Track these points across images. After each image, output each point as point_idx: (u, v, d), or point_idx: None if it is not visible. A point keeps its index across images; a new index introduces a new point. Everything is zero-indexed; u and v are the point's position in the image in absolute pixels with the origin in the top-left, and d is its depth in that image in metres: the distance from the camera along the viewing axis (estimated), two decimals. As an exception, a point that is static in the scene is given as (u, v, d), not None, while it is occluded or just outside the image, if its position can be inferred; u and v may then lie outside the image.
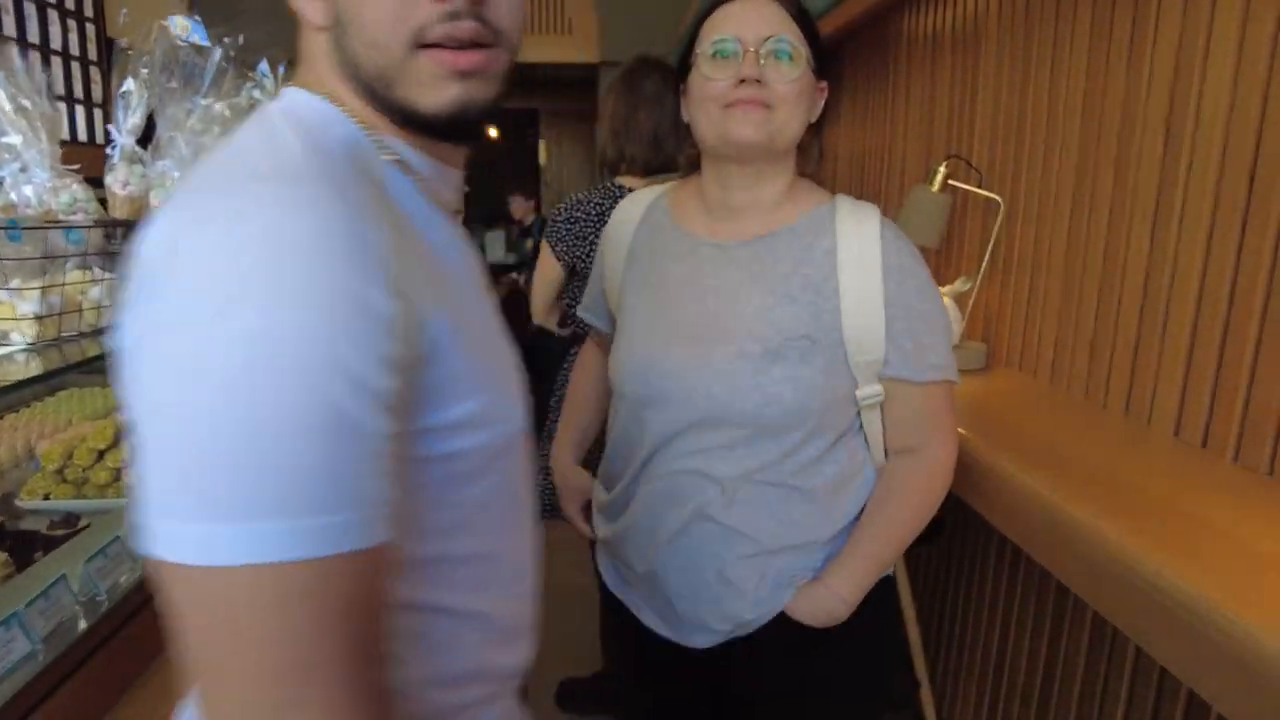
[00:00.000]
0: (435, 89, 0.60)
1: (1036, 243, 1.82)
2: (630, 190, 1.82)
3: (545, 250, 1.91)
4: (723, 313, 1.10)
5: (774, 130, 1.05)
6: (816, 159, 1.21)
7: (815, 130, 1.16)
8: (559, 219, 1.87)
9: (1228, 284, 1.28)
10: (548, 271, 1.93)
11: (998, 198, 1.87)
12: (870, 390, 1.12)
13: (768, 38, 1.03)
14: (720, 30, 1.05)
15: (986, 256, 1.93)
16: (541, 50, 6.43)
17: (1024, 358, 1.88)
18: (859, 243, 1.08)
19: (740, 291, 1.11)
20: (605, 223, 1.81)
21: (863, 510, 1.18)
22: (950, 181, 1.93)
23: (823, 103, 1.13)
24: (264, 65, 2.30)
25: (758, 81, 1.03)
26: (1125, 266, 1.52)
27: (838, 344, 1.08)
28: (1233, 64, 1.27)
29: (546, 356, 2.01)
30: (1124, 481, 1.21)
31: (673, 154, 1.85)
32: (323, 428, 0.46)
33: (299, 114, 0.60)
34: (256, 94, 2.20)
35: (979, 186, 1.94)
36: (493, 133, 9.25)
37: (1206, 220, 1.33)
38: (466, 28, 0.59)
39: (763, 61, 1.03)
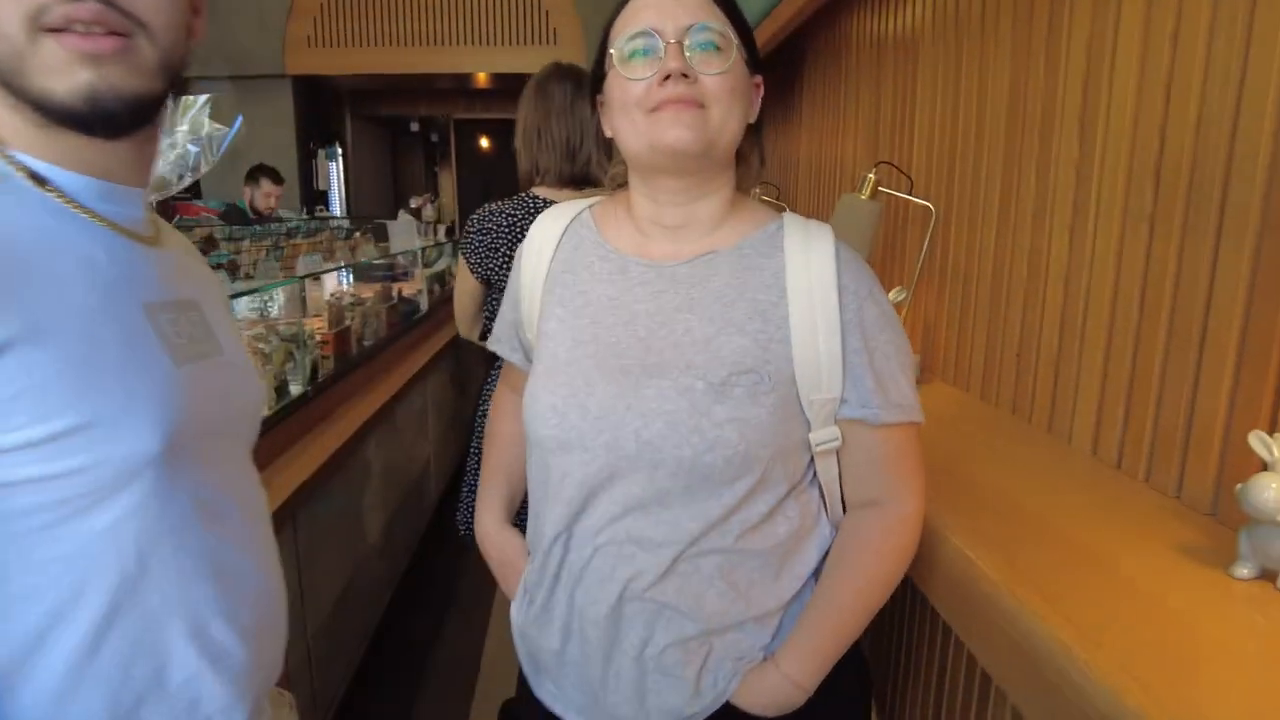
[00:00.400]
0: (64, 74, 0.57)
1: (968, 250, 1.75)
2: (547, 202, 1.76)
3: (461, 263, 1.85)
4: (656, 341, 0.93)
5: (711, 132, 0.88)
6: (759, 168, 1.02)
7: (754, 134, 0.98)
8: (471, 230, 1.80)
9: (1138, 293, 1.21)
10: (466, 284, 1.86)
11: (929, 205, 1.80)
12: (825, 434, 0.94)
13: (689, 26, 0.87)
14: (633, 25, 0.89)
15: (919, 265, 1.85)
16: (527, 60, 6.40)
17: (957, 370, 1.80)
18: (811, 266, 0.92)
19: (677, 317, 0.93)
20: (518, 234, 1.76)
21: (818, 573, 0.99)
22: (882, 189, 1.86)
23: (759, 101, 0.96)
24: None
25: (684, 76, 0.86)
26: (1047, 273, 1.45)
27: (789, 381, 0.91)
28: (1138, 59, 1.20)
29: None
30: (1026, 508, 1.13)
31: (587, 165, 1.78)
32: None
33: None
34: None
35: (910, 193, 1.86)
36: (484, 143, 9.24)
37: (1118, 224, 1.25)
38: (88, 9, 0.57)
39: (687, 54, 0.86)
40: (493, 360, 1.93)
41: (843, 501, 1.01)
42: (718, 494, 0.90)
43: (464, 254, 1.83)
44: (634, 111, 0.89)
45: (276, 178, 4.75)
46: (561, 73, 1.82)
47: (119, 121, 0.61)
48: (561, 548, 0.97)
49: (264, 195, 4.64)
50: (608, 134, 0.98)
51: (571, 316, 0.98)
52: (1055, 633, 0.79)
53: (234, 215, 3.96)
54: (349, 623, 2.25)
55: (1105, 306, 1.28)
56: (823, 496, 1.01)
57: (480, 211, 1.81)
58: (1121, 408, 1.24)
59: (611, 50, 0.92)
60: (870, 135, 2.35)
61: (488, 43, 6.61)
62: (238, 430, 0.79)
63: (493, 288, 1.82)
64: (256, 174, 4.74)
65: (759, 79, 0.96)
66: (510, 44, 6.62)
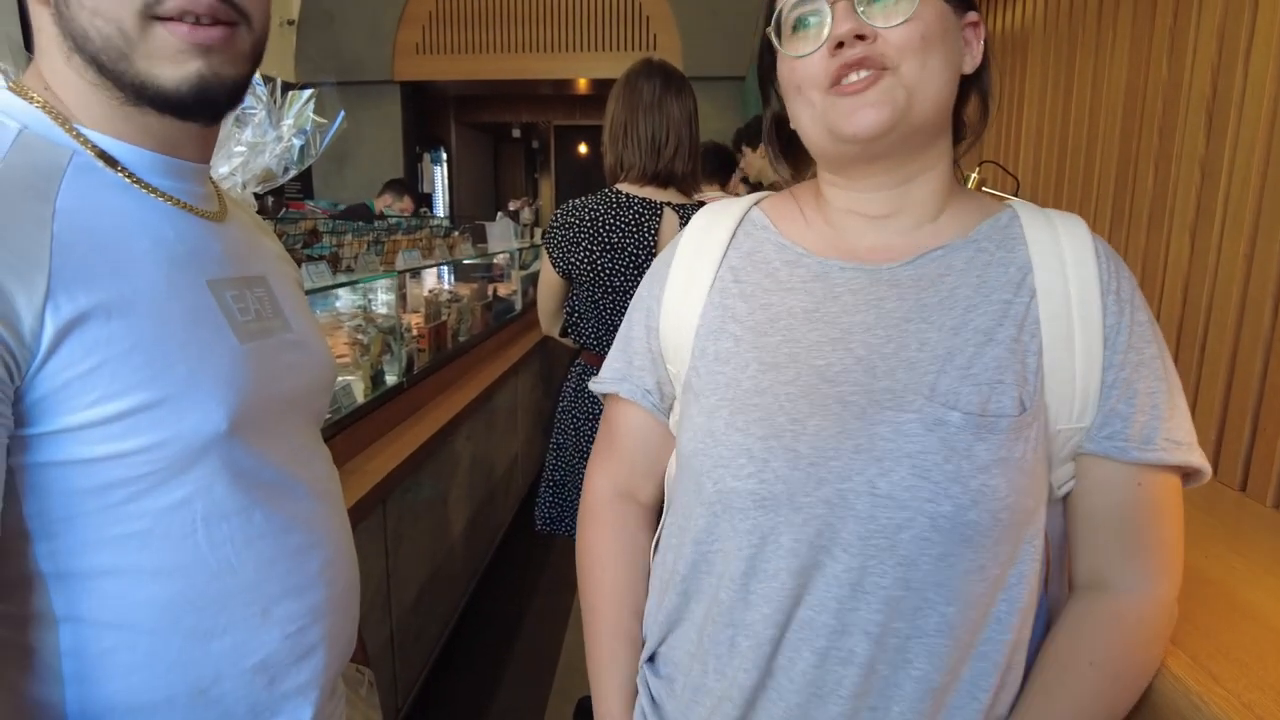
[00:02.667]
0: (175, 63, 0.59)
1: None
2: (629, 197, 1.76)
3: (544, 258, 1.87)
4: (882, 361, 0.70)
5: (904, 101, 0.68)
6: (980, 132, 0.78)
7: (975, 88, 0.75)
8: (554, 224, 1.81)
9: (1270, 304, 1.11)
10: (548, 280, 1.88)
11: (1004, 196, 1.71)
12: (1063, 473, 0.72)
13: None
14: None
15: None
16: (627, 66, 6.47)
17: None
18: (1065, 261, 0.71)
19: (907, 329, 0.71)
20: (599, 230, 1.76)
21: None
22: (987, 190, 1.77)
23: (979, 45, 0.73)
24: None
25: (860, 38, 0.68)
26: (1164, 280, 1.35)
27: (1042, 406, 0.70)
28: (1278, 45, 1.10)
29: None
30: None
31: (672, 162, 1.77)
32: None
33: None
34: None
35: (1016, 194, 1.77)
36: (582, 149, 9.38)
37: (1248, 226, 1.15)
38: (206, 3, 0.58)
39: (861, 10, 0.68)
40: (575, 355, 1.95)
41: (1046, 576, 0.76)
42: (979, 562, 0.66)
43: (546, 248, 1.85)
44: (810, 93, 0.72)
45: (417, 199, 5.08)
46: (651, 69, 1.81)
47: (220, 108, 0.63)
48: (767, 650, 0.70)
49: (401, 209, 4.86)
50: (792, 126, 0.78)
51: (754, 334, 0.76)
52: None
53: (361, 212, 4.18)
54: (433, 609, 2.30)
55: (1230, 318, 1.18)
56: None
57: (564, 206, 1.82)
58: (1246, 430, 1.14)
59: (772, 31, 0.74)
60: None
61: (588, 49, 6.71)
62: (305, 406, 0.78)
63: (574, 283, 1.83)
64: (400, 189, 4.98)
65: (973, 17, 0.73)
66: (610, 50, 6.70)
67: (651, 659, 0.81)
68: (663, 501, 0.87)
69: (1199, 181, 1.26)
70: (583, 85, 7.41)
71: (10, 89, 0.61)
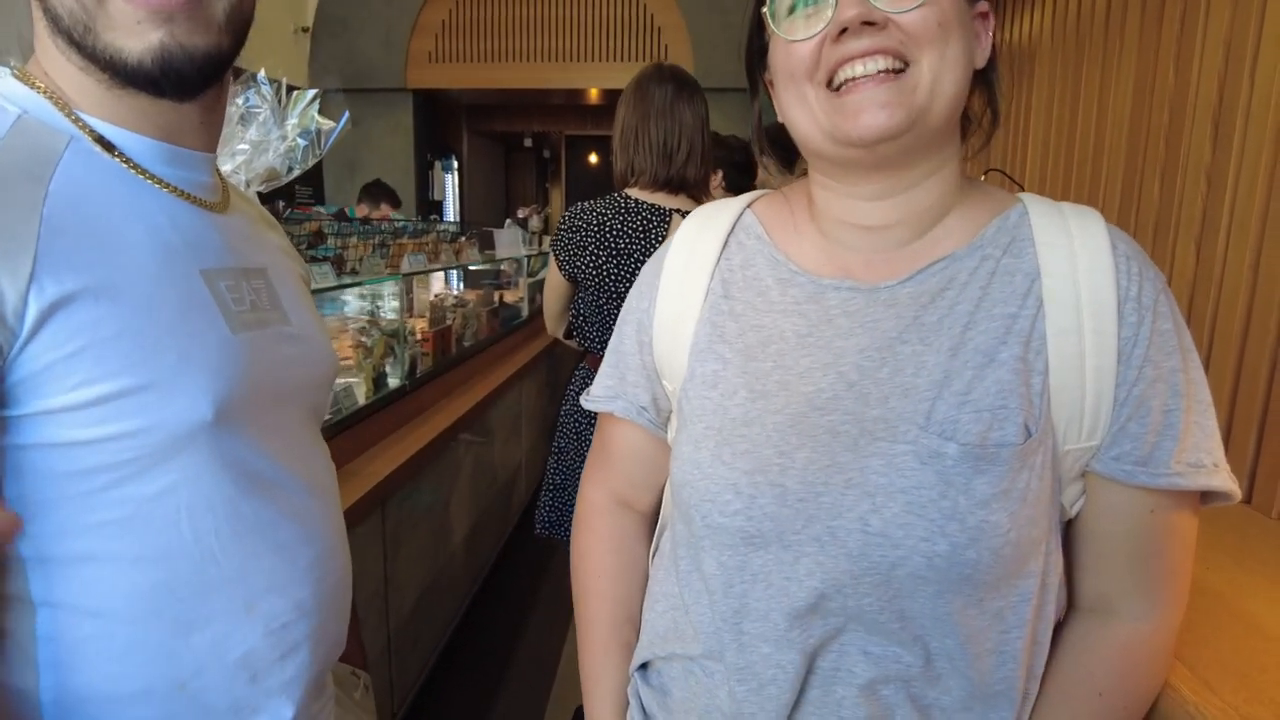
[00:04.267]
0: (136, 34, 0.58)
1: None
2: (638, 202, 1.76)
3: (551, 260, 1.87)
4: (875, 387, 0.65)
5: (921, 99, 0.60)
6: (990, 130, 0.70)
7: (984, 84, 0.68)
8: (563, 227, 1.81)
9: (1276, 314, 1.09)
10: (554, 282, 1.88)
11: (1019, 192, 1.70)
12: (1072, 493, 0.67)
13: None
14: None
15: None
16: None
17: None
18: (1076, 264, 0.64)
19: (901, 350, 0.65)
20: (606, 234, 1.76)
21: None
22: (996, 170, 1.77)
23: (988, 37, 0.66)
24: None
25: (869, 25, 0.60)
26: (1170, 286, 1.33)
27: (1049, 429, 0.64)
28: (1284, 52, 1.09)
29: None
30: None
31: (683, 168, 1.77)
32: None
33: None
34: None
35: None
36: (593, 158, 9.40)
37: (1254, 236, 1.14)
38: None
39: None
40: (580, 358, 1.94)
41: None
42: (978, 600, 0.63)
43: (554, 251, 1.85)
44: (803, 85, 0.64)
45: (395, 201, 4.80)
46: (662, 74, 1.81)
47: (190, 81, 0.62)
48: (772, 691, 0.68)
49: (380, 215, 4.61)
50: (779, 119, 0.72)
51: (743, 359, 0.71)
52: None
53: (341, 219, 4.09)
54: (431, 614, 2.29)
55: (1235, 329, 1.16)
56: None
57: (572, 209, 1.82)
58: (1252, 441, 1.13)
59: (766, 11, 0.67)
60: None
61: (600, 59, 6.73)
62: (302, 400, 0.77)
63: (580, 286, 1.83)
64: (378, 194, 4.73)
65: (983, 6, 0.66)
66: (622, 60, 6.72)
67: (644, 667, 0.79)
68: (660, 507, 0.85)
69: (1205, 191, 1.25)
70: (594, 95, 7.44)
71: (14, 76, 0.61)
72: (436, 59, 6.72)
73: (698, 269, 0.76)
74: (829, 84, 0.62)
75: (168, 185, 0.65)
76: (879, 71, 0.60)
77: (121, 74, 0.59)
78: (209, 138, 0.69)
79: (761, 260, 0.74)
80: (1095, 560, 0.67)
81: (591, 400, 0.84)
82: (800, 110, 0.66)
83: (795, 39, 0.63)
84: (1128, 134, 1.49)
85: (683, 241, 0.78)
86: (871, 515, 0.61)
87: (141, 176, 0.63)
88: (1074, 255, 0.64)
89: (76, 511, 0.57)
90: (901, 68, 0.60)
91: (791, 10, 0.64)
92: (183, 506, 0.61)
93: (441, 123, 7.86)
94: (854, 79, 0.60)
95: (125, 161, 0.62)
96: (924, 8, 0.59)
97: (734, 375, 0.70)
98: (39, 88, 0.61)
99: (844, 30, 0.60)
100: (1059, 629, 0.69)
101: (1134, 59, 1.48)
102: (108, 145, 0.62)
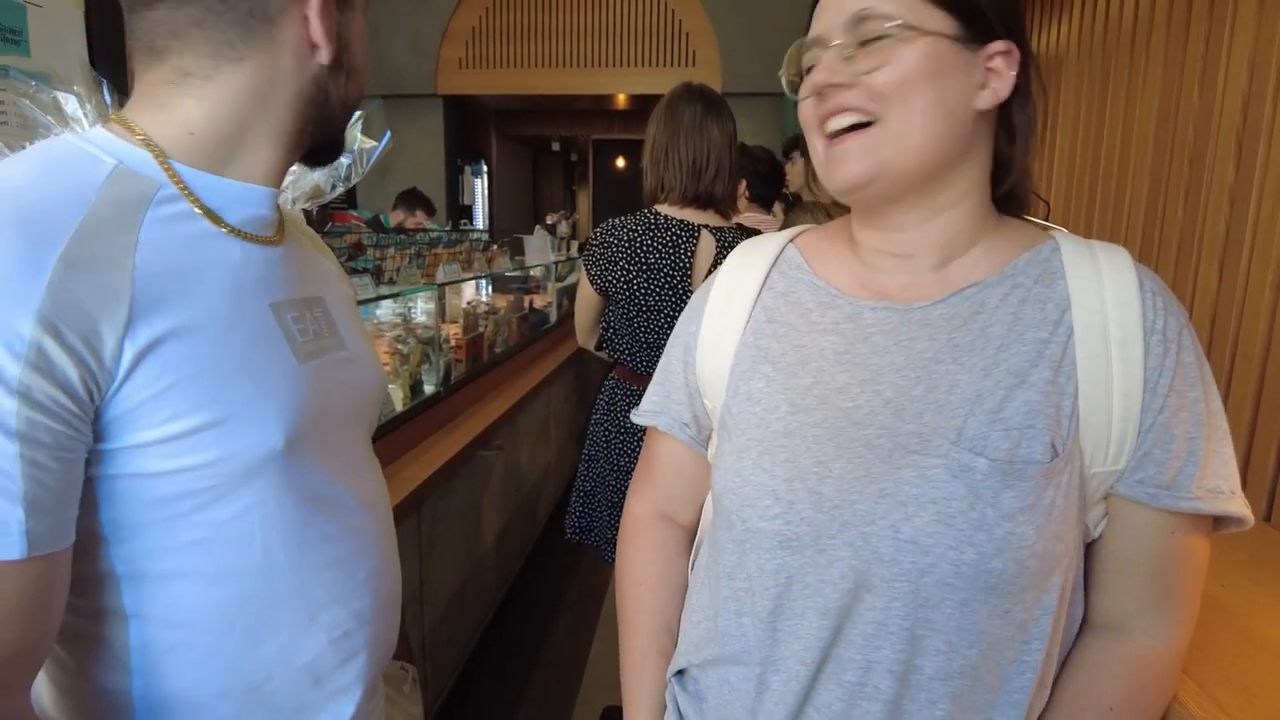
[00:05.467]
0: None
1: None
2: (668, 218, 1.80)
3: (582, 274, 1.92)
4: (910, 404, 0.70)
5: (885, 153, 0.68)
6: (1022, 161, 0.74)
7: (1001, 125, 0.72)
8: (593, 243, 1.86)
9: (1296, 330, 1.11)
10: (585, 296, 1.93)
11: (1050, 226, 1.72)
12: (1094, 515, 0.71)
13: (849, 18, 0.68)
14: (811, 30, 0.73)
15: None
16: (666, 82, 6.50)
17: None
18: (1105, 298, 0.69)
19: (937, 370, 0.70)
20: (636, 250, 1.81)
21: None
22: (1029, 219, 1.79)
23: (1010, 74, 0.69)
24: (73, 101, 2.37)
25: (837, 86, 0.68)
26: (1191, 309, 1.35)
27: (1076, 450, 0.69)
28: (1305, 78, 1.11)
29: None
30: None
31: (712, 185, 1.81)
32: None
33: (60, 146, 0.64)
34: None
35: (1047, 219, 1.78)
36: (620, 162, 9.46)
37: (1277, 255, 1.16)
38: None
39: (847, 55, 0.68)
40: (610, 369, 1.99)
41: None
42: (1005, 610, 0.67)
43: (585, 266, 1.90)
44: (812, 136, 0.73)
45: (430, 209, 4.93)
46: (691, 93, 1.85)
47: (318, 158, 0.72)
48: (796, 687, 0.72)
49: (415, 222, 4.77)
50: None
51: (785, 376, 0.76)
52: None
53: (376, 227, 4.20)
54: (462, 616, 2.35)
55: (1257, 348, 1.18)
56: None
57: (603, 226, 1.87)
58: (1272, 459, 1.14)
59: (781, 74, 0.76)
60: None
61: (628, 64, 6.78)
62: (357, 421, 0.82)
63: (610, 300, 1.88)
64: (413, 202, 4.88)
65: (1001, 46, 0.69)
66: (650, 66, 6.77)
67: (680, 673, 0.84)
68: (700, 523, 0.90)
69: (1228, 211, 1.27)
70: (621, 100, 7.49)
71: (112, 126, 0.66)
72: (466, 65, 6.81)
73: (741, 295, 0.82)
74: (821, 132, 0.71)
75: (238, 232, 0.69)
76: (850, 126, 0.68)
77: None
78: (278, 176, 0.74)
79: (803, 287, 0.80)
80: (1113, 579, 0.71)
81: (639, 415, 0.90)
82: (815, 157, 0.74)
83: (797, 99, 0.73)
84: (1152, 152, 1.50)
85: (729, 271, 0.86)
86: (903, 523, 0.66)
87: (218, 227, 0.68)
88: (1102, 289, 0.69)
89: (162, 534, 0.63)
90: (869, 121, 0.67)
91: (807, 72, 0.73)
92: (255, 527, 0.66)
93: (471, 128, 7.96)
94: (838, 132, 0.69)
95: (201, 209, 0.67)
96: (886, 68, 0.66)
97: (776, 391, 0.75)
98: (137, 137, 0.65)
99: (820, 94, 0.69)
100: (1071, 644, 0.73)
101: (1159, 78, 1.50)
102: (190, 191, 0.67)
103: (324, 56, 0.68)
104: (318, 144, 0.70)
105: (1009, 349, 0.69)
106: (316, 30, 0.67)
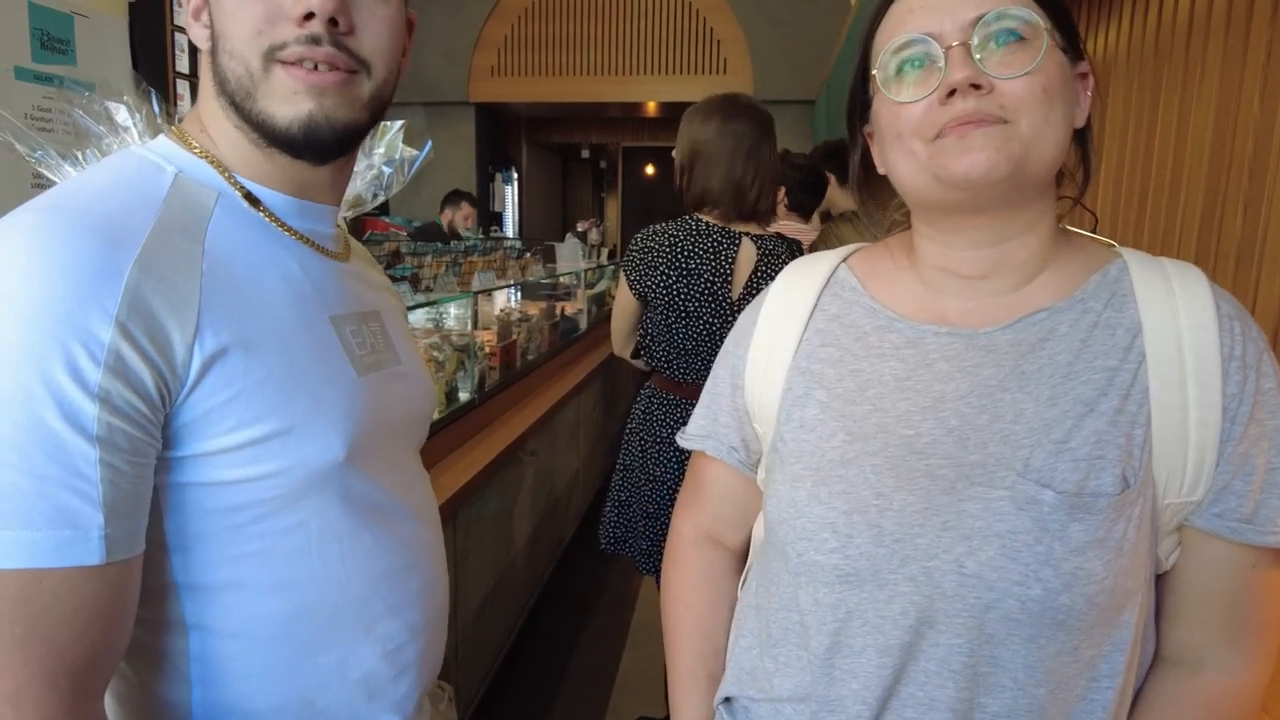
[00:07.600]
0: (290, 103, 0.64)
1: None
2: (709, 225, 1.79)
3: (622, 279, 1.91)
4: (975, 433, 0.67)
5: (1021, 151, 0.63)
6: (1082, 185, 0.73)
7: (1080, 144, 0.70)
8: (634, 248, 1.86)
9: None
10: (624, 301, 1.93)
11: (1111, 243, 1.68)
12: (1167, 546, 0.68)
13: (977, 18, 0.63)
14: (900, 31, 0.66)
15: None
16: (697, 90, 6.51)
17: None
18: (1179, 322, 0.65)
19: (1003, 399, 0.67)
20: (676, 255, 1.80)
21: None
22: (1091, 235, 1.75)
23: (1087, 99, 0.69)
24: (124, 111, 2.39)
25: (976, 87, 0.63)
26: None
27: (1149, 481, 0.65)
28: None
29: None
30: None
31: (756, 202, 1.80)
32: (20, 444, 0.51)
33: (128, 156, 0.65)
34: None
35: (1095, 231, 1.75)
36: (649, 170, 9.47)
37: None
38: (324, 52, 0.63)
39: (978, 56, 0.63)
40: (645, 378, 1.98)
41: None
42: (1073, 647, 0.64)
43: (625, 271, 1.90)
44: (911, 141, 0.67)
45: (473, 201, 5.13)
46: (741, 111, 1.83)
47: (328, 149, 0.67)
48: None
49: (463, 217, 4.94)
50: (880, 170, 0.75)
51: (841, 402, 0.73)
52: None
53: (433, 232, 4.32)
54: (494, 623, 2.35)
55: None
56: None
57: (644, 231, 1.87)
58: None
59: (875, 70, 0.70)
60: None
61: (659, 72, 6.79)
62: (410, 433, 0.82)
63: (649, 305, 1.87)
64: (456, 198, 5.05)
65: (1084, 67, 0.68)
66: (681, 73, 6.77)
67: (728, 700, 0.82)
68: (749, 545, 0.88)
69: (1291, 224, 1.24)
70: (652, 108, 7.50)
71: (172, 137, 0.67)
72: (498, 73, 6.87)
73: (792, 318, 0.79)
74: (934, 139, 0.64)
75: (301, 236, 0.70)
76: (979, 120, 0.62)
77: (268, 135, 0.65)
78: (336, 194, 0.75)
79: (858, 310, 0.76)
80: (1188, 612, 0.68)
81: (686, 438, 0.88)
82: (905, 161, 0.68)
83: (903, 100, 0.66)
84: (1208, 162, 1.47)
85: (779, 292, 0.82)
86: (967, 557, 0.63)
87: (280, 228, 0.69)
88: (1176, 312, 0.65)
89: (224, 544, 0.63)
90: (1004, 121, 0.62)
91: (899, 71, 0.66)
92: (313, 539, 0.66)
93: (502, 135, 8.02)
94: (954, 124, 0.63)
95: (267, 215, 0.68)
96: (1030, 75, 0.62)
97: (832, 419, 0.72)
98: (194, 148, 0.66)
99: (951, 92, 0.63)
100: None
101: (1216, 85, 1.46)
102: (253, 200, 0.67)
103: (201, 43, 0.67)
104: (260, 123, 0.65)
105: (1076, 376, 0.66)
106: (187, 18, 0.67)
